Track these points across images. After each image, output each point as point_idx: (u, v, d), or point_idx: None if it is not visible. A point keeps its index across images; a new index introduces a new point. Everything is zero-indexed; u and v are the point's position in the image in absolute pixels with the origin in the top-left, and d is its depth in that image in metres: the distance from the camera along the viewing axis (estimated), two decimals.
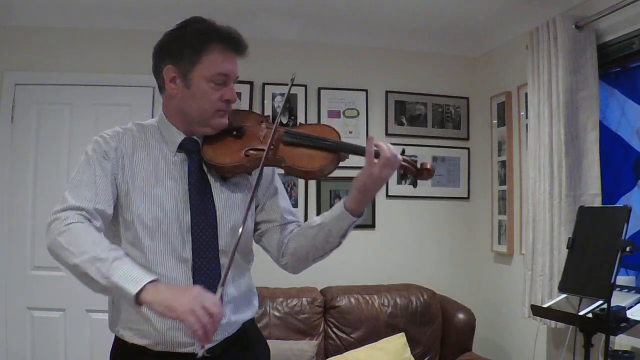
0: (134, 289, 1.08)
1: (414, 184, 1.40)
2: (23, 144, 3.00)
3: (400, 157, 1.31)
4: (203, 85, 1.31)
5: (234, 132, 1.39)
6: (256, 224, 1.47)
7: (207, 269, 1.30)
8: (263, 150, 1.33)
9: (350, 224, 1.34)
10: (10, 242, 2.95)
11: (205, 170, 1.37)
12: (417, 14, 3.13)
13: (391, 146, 1.29)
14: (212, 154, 1.35)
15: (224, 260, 1.34)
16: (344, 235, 1.37)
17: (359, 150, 1.33)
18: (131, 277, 1.10)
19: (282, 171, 1.40)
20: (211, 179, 1.37)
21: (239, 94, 3.23)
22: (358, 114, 3.40)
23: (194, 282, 1.28)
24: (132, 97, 3.08)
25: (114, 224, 1.34)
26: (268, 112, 3.26)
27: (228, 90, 1.35)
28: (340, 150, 1.35)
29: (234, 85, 1.37)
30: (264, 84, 3.26)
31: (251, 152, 1.35)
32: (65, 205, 1.21)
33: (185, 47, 1.31)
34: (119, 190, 1.31)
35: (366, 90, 3.42)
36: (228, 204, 1.37)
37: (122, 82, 3.08)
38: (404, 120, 3.48)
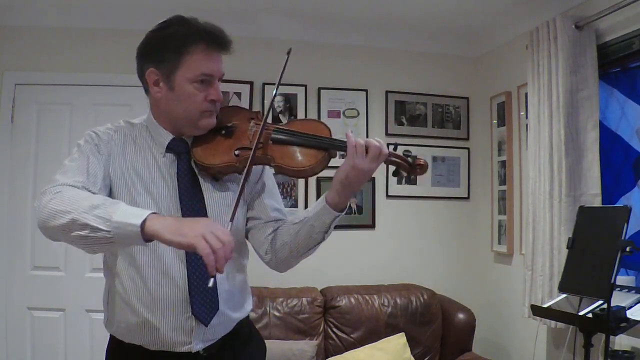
0: (137, 221, 1.04)
1: (408, 180, 1.37)
2: (23, 144, 3.00)
3: (386, 150, 1.28)
4: (187, 87, 1.29)
5: (223, 131, 1.36)
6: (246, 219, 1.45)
7: (201, 271, 1.28)
8: (251, 149, 1.29)
9: (332, 219, 1.31)
10: (10, 242, 2.95)
11: (196, 171, 1.35)
12: (417, 14, 3.13)
13: (377, 140, 1.27)
14: (202, 155, 1.33)
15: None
16: (327, 231, 1.33)
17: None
18: (132, 213, 1.06)
19: (273, 170, 1.39)
20: (202, 180, 1.35)
21: (239, 94, 3.27)
22: (358, 114, 3.40)
23: (189, 280, 1.28)
24: (132, 97, 3.06)
25: None
26: None
27: (213, 90, 1.31)
28: (330, 147, 1.31)
29: (219, 84, 1.33)
30: (264, 84, 3.26)
31: (240, 151, 1.33)
32: (54, 184, 1.19)
33: (166, 49, 1.28)
34: (113, 185, 1.30)
35: (366, 90, 3.43)
36: (220, 204, 1.36)
37: (122, 82, 3.07)
38: (404, 120, 3.48)
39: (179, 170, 1.34)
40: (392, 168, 1.38)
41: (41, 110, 3.04)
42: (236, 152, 1.33)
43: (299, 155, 1.31)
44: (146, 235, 1.05)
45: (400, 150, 1.36)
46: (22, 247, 2.96)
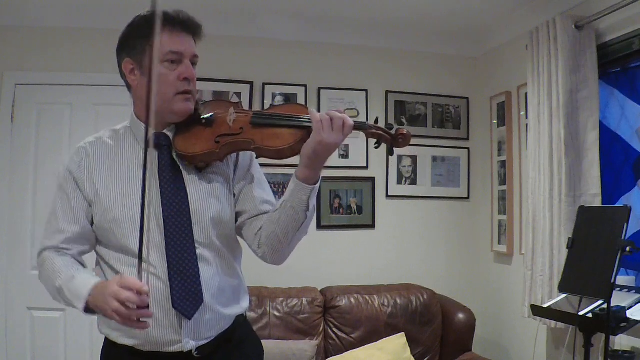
0: (81, 306, 1.28)
1: (390, 152, 1.36)
2: (23, 144, 3.00)
3: (350, 121, 1.28)
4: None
5: (203, 121, 1.38)
6: (236, 214, 1.44)
7: (182, 262, 1.29)
8: (232, 135, 1.32)
9: (308, 194, 1.30)
10: (10, 242, 2.95)
11: (179, 164, 1.36)
12: (417, 14, 3.13)
13: (341, 113, 1.28)
14: (183, 145, 1.35)
15: (204, 253, 1.33)
16: (307, 209, 1.32)
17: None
18: (77, 295, 1.28)
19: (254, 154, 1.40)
20: (185, 171, 1.36)
21: (239, 94, 3.27)
22: (358, 114, 3.40)
23: (170, 276, 1.28)
24: None
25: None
26: None
27: (184, 67, 1.32)
28: (306, 125, 1.32)
29: (191, 64, 1.35)
30: (264, 84, 3.26)
31: (221, 138, 1.34)
32: (40, 248, 1.38)
33: (135, 37, 1.33)
34: (89, 200, 1.34)
35: (366, 90, 3.42)
36: (204, 196, 1.36)
37: (122, 82, 3.06)
38: (404, 120, 3.48)
39: (160, 163, 1.34)
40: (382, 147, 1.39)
41: (41, 110, 3.04)
42: (217, 139, 1.34)
43: (278, 136, 1.33)
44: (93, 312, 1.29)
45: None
46: (22, 247, 2.96)
